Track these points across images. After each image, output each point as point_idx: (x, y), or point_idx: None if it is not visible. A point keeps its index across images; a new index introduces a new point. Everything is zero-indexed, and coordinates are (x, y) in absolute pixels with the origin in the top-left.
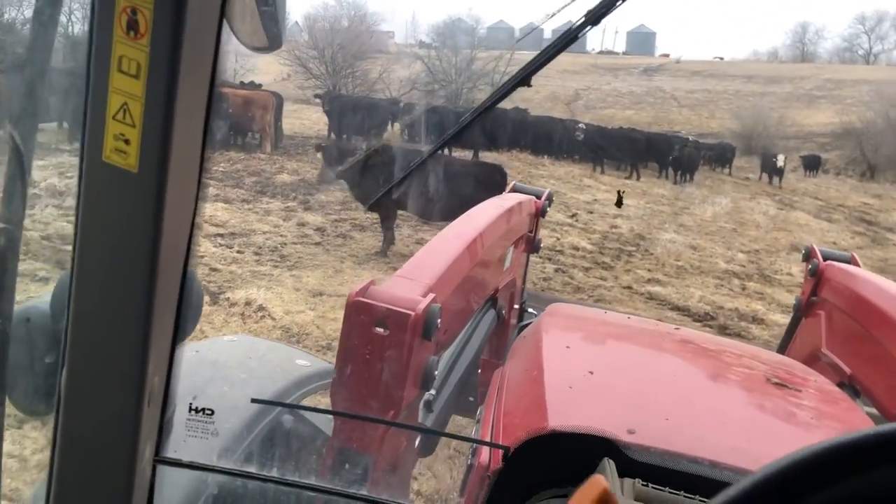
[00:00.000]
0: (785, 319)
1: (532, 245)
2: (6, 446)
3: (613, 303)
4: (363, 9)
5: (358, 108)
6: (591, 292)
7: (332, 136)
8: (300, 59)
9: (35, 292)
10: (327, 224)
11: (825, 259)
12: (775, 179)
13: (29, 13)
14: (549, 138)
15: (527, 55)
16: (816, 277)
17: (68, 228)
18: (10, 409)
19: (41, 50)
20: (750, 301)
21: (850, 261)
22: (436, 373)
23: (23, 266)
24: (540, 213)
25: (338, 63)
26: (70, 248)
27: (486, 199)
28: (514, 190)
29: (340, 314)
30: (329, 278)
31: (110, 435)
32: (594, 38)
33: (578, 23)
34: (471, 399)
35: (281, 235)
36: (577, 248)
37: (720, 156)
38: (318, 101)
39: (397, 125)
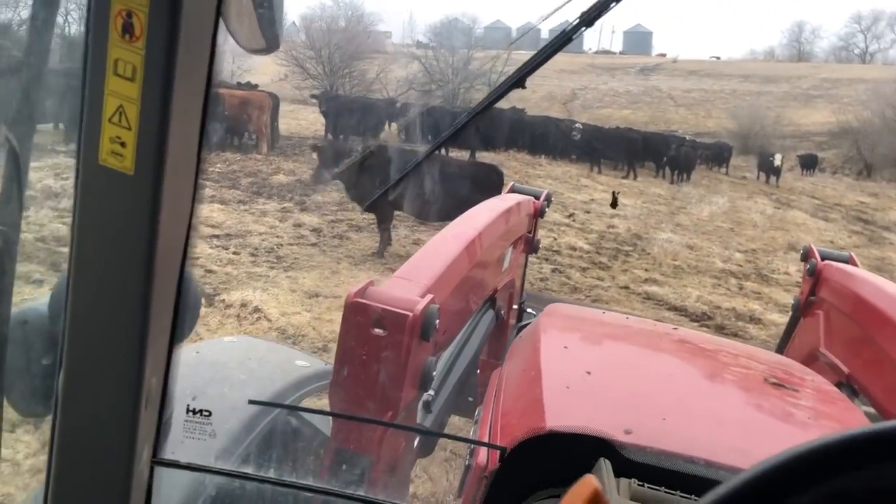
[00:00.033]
0: (782, 319)
1: (531, 245)
2: None
3: (610, 303)
4: (360, 9)
5: (354, 109)
6: (588, 292)
7: (329, 136)
8: (297, 59)
9: (29, 294)
10: (324, 225)
11: (823, 259)
12: (772, 178)
13: (25, 14)
14: (546, 138)
15: (524, 55)
16: (815, 277)
17: (63, 230)
18: (5, 412)
19: (38, 52)
20: (747, 301)
21: (849, 260)
22: (434, 373)
23: (17, 268)
24: (539, 213)
25: (335, 63)
26: (66, 250)
27: (482, 199)
28: (512, 190)
29: (336, 315)
30: (325, 279)
31: (108, 436)
32: (591, 38)
33: (573, 24)
34: (470, 399)
35: (277, 236)
36: (574, 248)
37: (717, 155)
38: (314, 101)
39: (394, 125)
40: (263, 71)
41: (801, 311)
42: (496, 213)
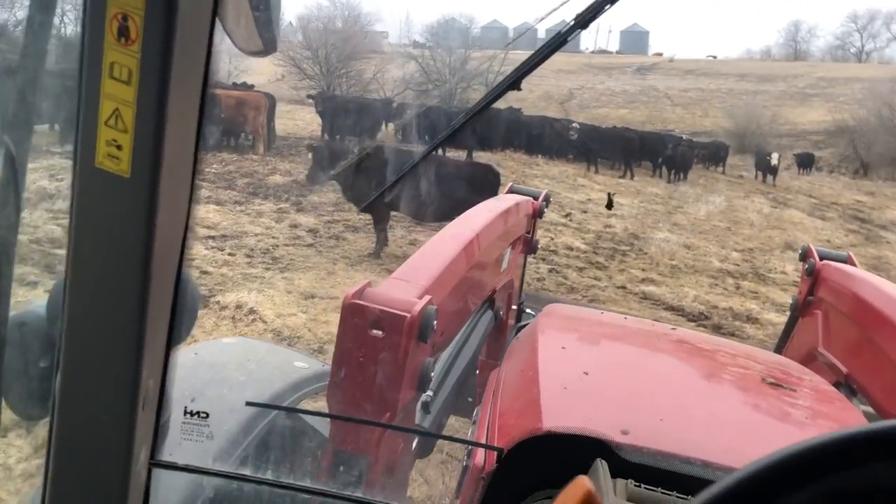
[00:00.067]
0: (779, 318)
1: (530, 246)
2: None
3: (608, 303)
4: (357, 9)
5: (351, 109)
6: (585, 292)
7: (326, 136)
8: (294, 59)
9: (23, 296)
10: (320, 225)
11: (822, 258)
12: (769, 177)
13: (22, 16)
14: (543, 138)
15: (521, 55)
16: (813, 277)
17: (58, 232)
18: (2, 415)
19: (34, 55)
20: (744, 300)
21: (847, 260)
22: (432, 374)
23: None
24: (537, 214)
25: (332, 63)
26: (62, 252)
27: (479, 199)
28: (511, 191)
29: (332, 317)
30: (321, 280)
31: (105, 438)
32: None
33: (568, 26)
34: (469, 400)
35: (273, 237)
36: (571, 248)
37: (714, 154)
38: (311, 101)
39: (391, 125)
40: (260, 71)
41: (799, 310)
42: (495, 213)
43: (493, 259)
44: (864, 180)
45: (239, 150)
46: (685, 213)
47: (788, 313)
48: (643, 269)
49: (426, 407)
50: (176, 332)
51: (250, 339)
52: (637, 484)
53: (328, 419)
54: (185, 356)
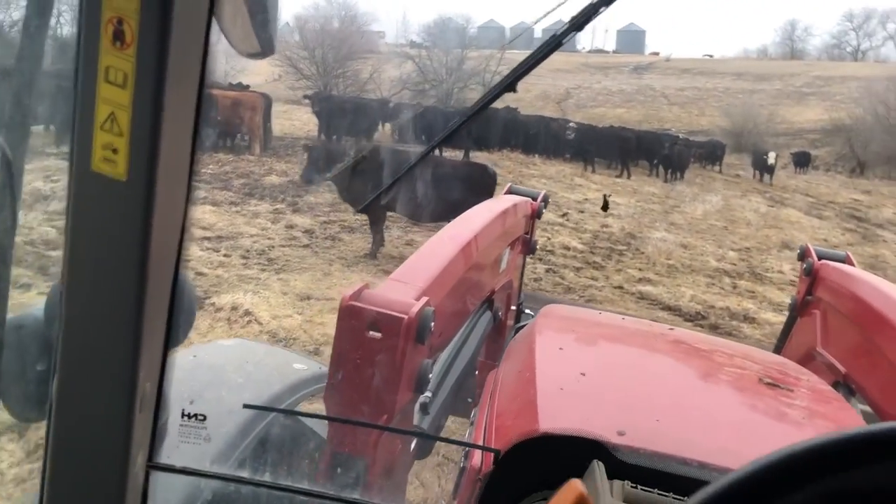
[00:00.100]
0: (776, 318)
1: (528, 246)
2: None
3: (605, 303)
4: (354, 9)
5: (347, 109)
6: (582, 292)
7: (322, 136)
8: (291, 59)
9: (16, 298)
10: (316, 226)
11: (820, 258)
12: (766, 176)
13: (17, 18)
14: (540, 137)
15: (517, 54)
16: (811, 277)
17: (52, 233)
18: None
19: (31, 59)
20: (741, 300)
21: (845, 260)
22: (430, 376)
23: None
24: (536, 214)
25: (329, 63)
26: (58, 254)
27: (475, 199)
28: (509, 192)
29: (328, 318)
30: (317, 281)
31: (102, 441)
32: (585, 37)
33: (563, 29)
34: (469, 401)
35: (269, 238)
36: (567, 248)
37: (710, 153)
38: (307, 102)
39: (388, 126)
40: (257, 71)
41: (798, 310)
42: (493, 214)
43: (491, 260)
44: (861, 179)
45: (235, 150)
46: (682, 212)
47: (787, 313)
48: (640, 269)
49: (425, 408)
50: (173, 335)
51: (248, 341)
52: (633, 485)
53: (326, 421)
54: (183, 358)
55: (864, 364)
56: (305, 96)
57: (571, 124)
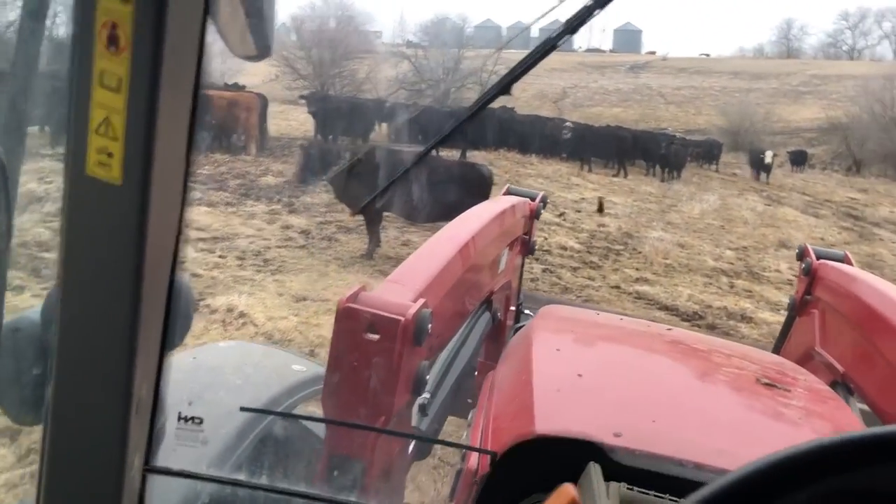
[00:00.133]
0: (774, 317)
1: (527, 247)
2: None
3: (602, 303)
4: (350, 9)
5: (344, 109)
6: (579, 292)
7: (318, 137)
8: (288, 59)
9: (10, 300)
10: (312, 227)
11: (819, 258)
12: (763, 175)
13: (13, 21)
14: (537, 137)
15: (515, 54)
16: (810, 276)
17: (46, 235)
18: None
19: (26, 63)
20: (738, 299)
21: (844, 259)
22: (428, 377)
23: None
24: (535, 215)
25: (325, 63)
26: (53, 257)
27: (472, 200)
28: (508, 192)
29: (324, 319)
30: (314, 282)
31: (99, 444)
32: (581, 36)
33: (557, 32)
34: (469, 401)
35: (265, 239)
36: (564, 248)
37: (707, 152)
38: (303, 102)
39: (384, 126)
40: (254, 72)
41: (797, 310)
42: (491, 215)
43: (490, 261)
44: (857, 177)
45: (231, 150)
46: (679, 211)
47: (785, 312)
48: (637, 269)
49: (423, 409)
50: (170, 337)
51: (247, 343)
52: (630, 487)
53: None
54: (182, 360)
55: (862, 364)
56: (301, 96)
57: (568, 124)
